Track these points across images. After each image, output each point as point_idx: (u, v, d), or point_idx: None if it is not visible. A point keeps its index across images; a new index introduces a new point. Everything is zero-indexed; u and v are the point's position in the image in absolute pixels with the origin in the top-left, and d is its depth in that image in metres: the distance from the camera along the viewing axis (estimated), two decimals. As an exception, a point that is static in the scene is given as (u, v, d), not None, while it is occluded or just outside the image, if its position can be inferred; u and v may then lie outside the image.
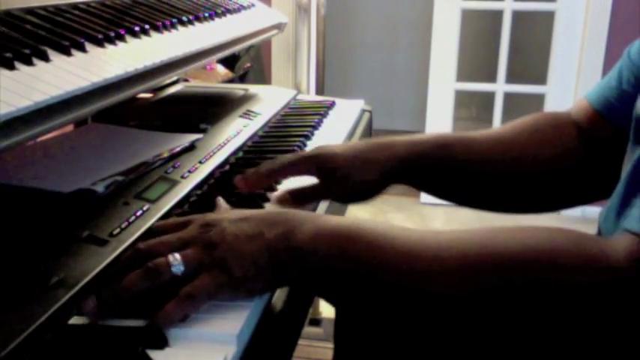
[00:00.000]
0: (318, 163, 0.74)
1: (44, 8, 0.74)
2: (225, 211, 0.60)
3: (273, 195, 0.75)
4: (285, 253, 0.53)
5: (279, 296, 0.59)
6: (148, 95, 1.22)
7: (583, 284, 0.48)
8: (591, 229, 0.70)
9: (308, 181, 0.76)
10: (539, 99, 2.74)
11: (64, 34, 0.68)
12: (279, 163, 0.74)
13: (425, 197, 2.86)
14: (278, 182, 0.80)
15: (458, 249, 0.51)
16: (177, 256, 0.52)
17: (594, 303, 0.48)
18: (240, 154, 0.94)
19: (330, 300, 0.57)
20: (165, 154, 0.84)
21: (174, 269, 0.52)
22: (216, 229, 0.54)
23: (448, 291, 0.50)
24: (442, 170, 0.77)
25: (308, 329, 1.82)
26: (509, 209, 0.81)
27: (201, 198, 0.76)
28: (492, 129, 0.81)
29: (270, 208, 0.73)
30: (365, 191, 0.75)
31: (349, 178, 0.73)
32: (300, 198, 0.75)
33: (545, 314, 0.49)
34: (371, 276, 0.52)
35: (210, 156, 0.88)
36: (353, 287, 0.53)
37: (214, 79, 1.79)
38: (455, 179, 0.78)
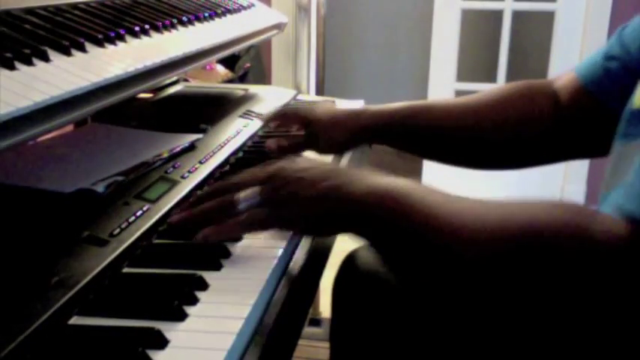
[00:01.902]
0: (304, 121, 0.91)
1: (44, 8, 0.74)
2: (292, 161, 0.69)
3: (267, 142, 0.91)
4: (336, 203, 0.61)
5: (279, 296, 0.59)
6: (148, 95, 1.22)
7: (565, 255, 0.49)
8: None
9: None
10: (539, 99, 2.74)
11: (64, 34, 0.68)
12: (280, 114, 0.97)
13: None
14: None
15: (477, 221, 0.55)
16: (249, 191, 0.64)
17: (575, 273, 0.48)
18: (240, 154, 0.94)
19: (369, 242, 0.64)
20: (165, 154, 0.84)
21: (241, 205, 0.64)
22: (281, 175, 0.64)
23: (465, 254, 0.54)
24: (406, 136, 0.90)
25: (308, 329, 1.82)
26: (474, 166, 0.91)
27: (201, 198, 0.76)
28: (464, 97, 0.89)
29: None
30: (334, 148, 0.92)
31: (322, 136, 0.89)
32: (285, 150, 0.90)
33: (532, 283, 0.51)
34: (406, 232, 0.58)
35: (210, 156, 0.88)
36: (389, 239, 0.60)
37: (214, 79, 1.79)
38: (419, 144, 0.91)
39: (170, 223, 0.67)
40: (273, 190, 0.64)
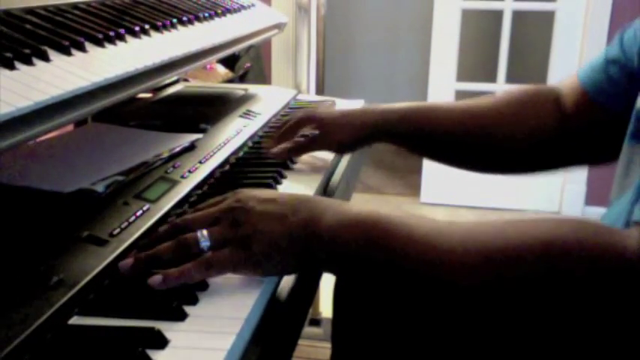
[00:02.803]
0: (314, 122, 0.90)
1: (44, 8, 0.74)
2: (256, 190, 0.63)
3: (272, 151, 0.88)
4: (306, 239, 0.57)
5: (280, 296, 0.59)
6: (148, 95, 1.22)
7: (594, 274, 0.48)
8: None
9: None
10: (539, 99, 2.73)
11: (64, 34, 0.68)
12: (290, 123, 0.91)
13: (425, 197, 2.86)
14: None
15: (472, 243, 0.52)
16: (205, 232, 0.57)
17: (605, 293, 0.48)
18: (240, 154, 0.94)
19: (351, 280, 0.61)
20: (165, 154, 0.84)
21: (201, 244, 0.57)
22: (244, 208, 0.58)
23: (461, 281, 0.51)
24: (409, 137, 0.89)
25: (308, 329, 1.82)
26: (478, 169, 0.90)
27: (201, 198, 0.76)
28: (470, 100, 0.88)
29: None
30: (343, 147, 0.92)
31: (331, 136, 0.88)
32: (295, 151, 0.90)
33: (558, 304, 0.49)
34: (389, 263, 0.54)
35: (210, 156, 0.88)
36: (372, 270, 0.56)
37: (214, 79, 1.79)
38: (423, 144, 0.90)
39: (120, 269, 0.57)
40: (235, 226, 0.58)
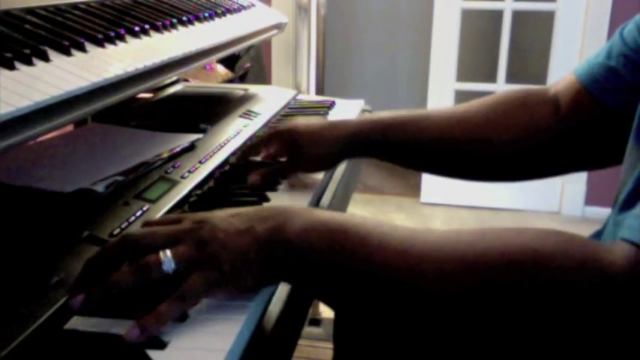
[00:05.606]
0: (286, 138, 0.84)
1: (44, 8, 0.74)
2: (216, 211, 0.58)
3: (249, 181, 0.81)
4: (275, 247, 0.52)
5: (279, 296, 0.59)
6: (148, 95, 1.22)
7: (573, 286, 0.46)
8: (591, 229, 0.70)
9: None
10: (539, 99, 2.73)
11: (64, 34, 0.68)
12: (257, 142, 0.87)
13: (425, 197, 2.86)
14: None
15: (448, 250, 0.50)
16: (169, 253, 0.51)
17: (584, 306, 0.46)
18: (240, 154, 0.94)
19: (320, 296, 0.57)
20: (165, 154, 0.84)
21: (164, 267, 0.50)
22: (208, 225, 0.53)
23: (437, 289, 0.49)
24: (391, 148, 0.84)
25: (308, 329, 1.82)
26: (470, 178, 0.86)
27: (201, 198, 0.76)
28: (456, 106, 0.85)
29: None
30: (320, 163, 0.85)
31: (306, 151, 0.82)
32: (269, 175, 0.83)
33: (533, 315, 0.47)
34: (363, 271, 0.51)
35: (210, 156, 0.88)
36: (344, 281, 0.52)
37: (214, 79, 1.79)
38: (405, 155, 0.85)
39: (72, 307, 0.50)
40: (200, 246, 0.52)
